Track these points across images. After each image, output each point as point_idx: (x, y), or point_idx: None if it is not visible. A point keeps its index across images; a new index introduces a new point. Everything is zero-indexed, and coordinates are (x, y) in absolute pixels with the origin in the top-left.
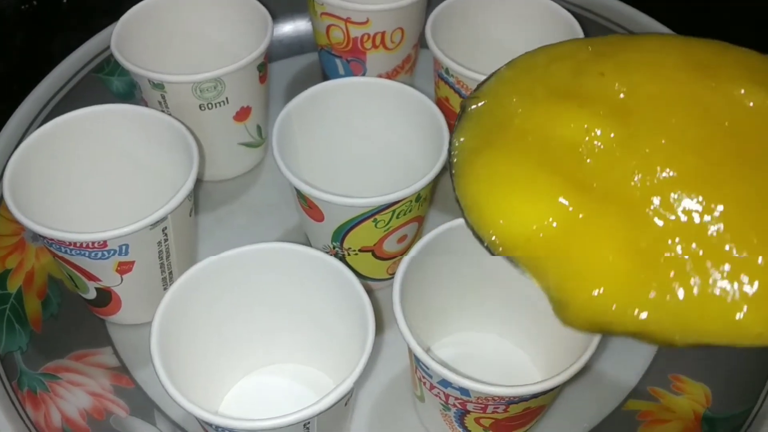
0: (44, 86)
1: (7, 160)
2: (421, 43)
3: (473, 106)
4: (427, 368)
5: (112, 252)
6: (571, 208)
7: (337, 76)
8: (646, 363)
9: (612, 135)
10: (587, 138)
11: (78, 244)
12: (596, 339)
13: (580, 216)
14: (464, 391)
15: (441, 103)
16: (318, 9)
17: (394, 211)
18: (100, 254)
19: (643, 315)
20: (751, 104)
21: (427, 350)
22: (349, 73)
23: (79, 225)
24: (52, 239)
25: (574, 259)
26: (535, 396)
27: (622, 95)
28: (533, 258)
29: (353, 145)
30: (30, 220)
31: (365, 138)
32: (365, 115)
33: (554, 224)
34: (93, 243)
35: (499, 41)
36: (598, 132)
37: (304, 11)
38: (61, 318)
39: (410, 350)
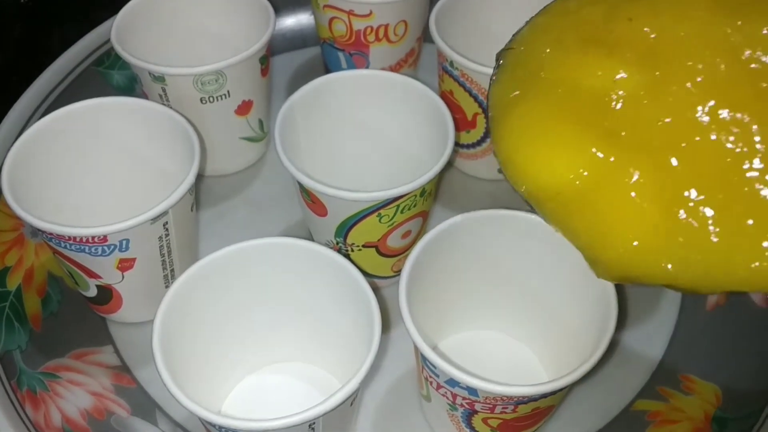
0: (43, 80)
1: (6, 154)
2: (425, 36)
3: (501, 61)
4: (435, 367)
5: (112, 247)
6: (599, 160)
7: (339, 69)
8: (655, 362)
9: (639, 81)
10: (615, 86)
11: (78, 239)
12: (606, 338)
13: (608, 167)
14: (472, 391)
15: (445, 97)
16: (321, 1)
17: (398, 205)
18: (100, 250)
19: (670, 266)
20: None
21: (434, 349)
22: (351, 67)
23: (78, 219)
24: (51, 234)
25: (603, 213)
26: (544, 396)
27: (650, 40)
28: (564, 213)
29: (357, 139)
30: (29, 214)
31: (369, 132)
32: (369, 108)
33: (583, 175)
34: (93, 237)
35: (504, 34)
36: (625, 79)
37: (307, 4)
38: (61, 316)
39: (417, 349)
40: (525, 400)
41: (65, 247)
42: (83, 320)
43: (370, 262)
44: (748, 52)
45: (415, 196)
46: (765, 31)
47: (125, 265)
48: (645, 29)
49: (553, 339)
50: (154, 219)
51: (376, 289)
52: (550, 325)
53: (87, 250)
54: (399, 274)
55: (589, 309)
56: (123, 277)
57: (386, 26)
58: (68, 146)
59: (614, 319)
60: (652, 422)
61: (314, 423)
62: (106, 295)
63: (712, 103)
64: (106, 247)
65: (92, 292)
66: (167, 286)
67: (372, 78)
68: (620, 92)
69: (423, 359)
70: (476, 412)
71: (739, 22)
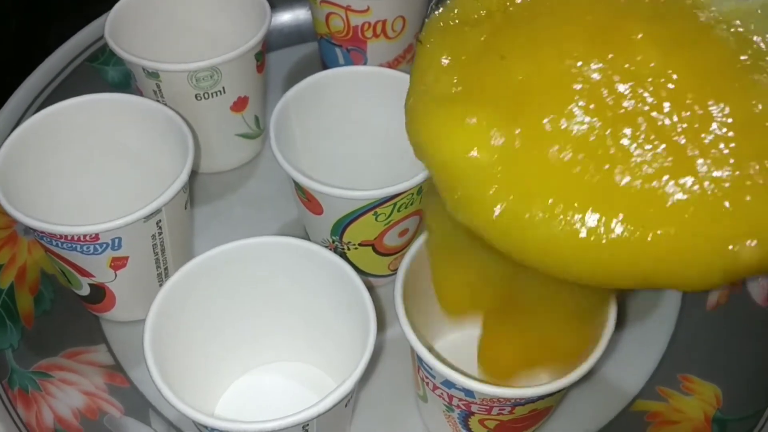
0: (37, 76)
1: None
2: None
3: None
4: (431, 369)
5: (104, 246)
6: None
7: (336, 65)
8: (654, 362)
9: (498, 148)
10: (477, 149)
11: (69, 237)
12: (605, 338)
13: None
14: (469, 393)
15: None
16: None
17: (395, 204)
18: (92, 249)
19: None
20: (652, 66)
21: (430, 348)
22: (349, 63)
23: (71, 217)
24: (42, 232)
25: None
26: (541, 397)
27: (518, 84)
28: None
29: (353, 136)
30: (20, 212)
31: (366, 129)
32: (366, 105)
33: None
34: (85, 236)
35: None
36: (490, 141)
37: None
38: (54, 314)
39: (413, 350)
40: (522, 401)
41: (57, 245)
42: (76, 319)
43: (366, 261)
44: (619, 91)
45: (412, 194)
46: (638, 59)
47: (118, 263)
48: (514, 70)
49: None
50: (147, 217)
51: (372, 288)
52: None
53: (79, 249)
54: (396, 273)
55: None
56: (116, 275)
57: (384, 22)
58: (61, 143)
59: (613, 319)
60: (652, 423)
61: (308, 425)
62: (99, 293)
63: (577, 170)
64: (98, 246)
65: (85, 291)
66: (161, 285)
67: (369, 74)
68: (475, 162)
69: (419, 360)
70: (473, 413)
71: (611, 54)
